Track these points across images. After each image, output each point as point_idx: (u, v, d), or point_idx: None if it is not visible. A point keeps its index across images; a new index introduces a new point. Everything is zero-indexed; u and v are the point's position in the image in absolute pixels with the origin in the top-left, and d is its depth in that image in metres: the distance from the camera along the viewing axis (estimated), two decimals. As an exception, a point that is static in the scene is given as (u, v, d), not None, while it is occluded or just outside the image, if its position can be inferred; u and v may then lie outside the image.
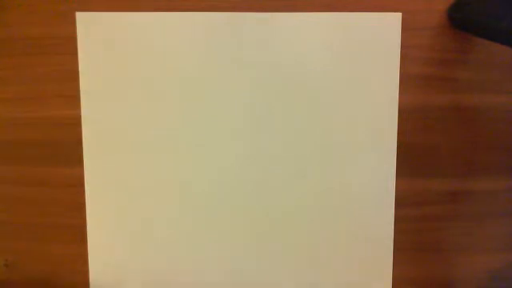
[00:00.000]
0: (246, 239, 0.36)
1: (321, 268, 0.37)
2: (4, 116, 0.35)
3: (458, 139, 0.36)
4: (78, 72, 0.35)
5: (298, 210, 0.36)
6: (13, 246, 0.37)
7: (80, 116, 0.35)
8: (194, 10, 0.34)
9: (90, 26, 0.34)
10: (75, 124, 0.35)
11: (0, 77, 0.35)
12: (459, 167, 0.36)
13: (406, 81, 0.35)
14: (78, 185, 0.36)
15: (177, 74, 0.35)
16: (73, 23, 0.34)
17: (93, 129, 0.35)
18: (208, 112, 0.35)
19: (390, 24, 0.34)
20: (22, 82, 0.35)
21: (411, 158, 0.36)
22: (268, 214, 0.36)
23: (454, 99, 0.35)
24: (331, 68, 0.35)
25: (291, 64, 0.34)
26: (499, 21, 0.29)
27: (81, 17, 0.34)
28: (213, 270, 0.37)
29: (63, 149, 0.35)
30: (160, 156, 0.35)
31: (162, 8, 0.34)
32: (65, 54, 0.34)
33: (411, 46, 0.35)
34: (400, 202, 0.36)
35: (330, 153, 0.35)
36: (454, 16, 0.34)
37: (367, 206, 0.36)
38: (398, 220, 0.36)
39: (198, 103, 0.35)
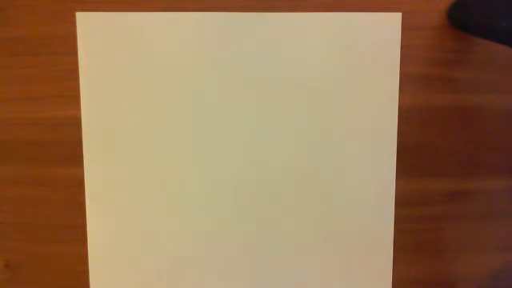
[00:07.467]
0: (246, 239, 0.36)
1: (321, 268, 0.37)
2: (4, 116, 0.35)
3: (458, 139, 0.36)
4: (78, 72, 0.35)
5: (298, 210, 0.36)
6: (13, 246, 0.37)
7: (80, 116, 0.35)
8: (195, 10, 0.34)
9: (90, 26, 0.34)
10: (75, 124, 0.35)
11: (0, 77, 0.35)
12: (459, 167, 0.36)
13: (406, 81, 0.35)
14: (78, 185, 0.36)
15: (176, 73, 0.35)
16: (73, 23, 0.34)
17: (93, 129, 0.35)
18: (207, 112, 0.35)
19: (390, 24, 0.34)
20: (22, 81, 0.35)
21: (411, 157, 0.36)
22: (267, 214, 0.36)
23: (454, 99, 0.35)
24: (331, 68, 0.35)
25: (291, 64, 0.34)
26: (499, 21, 0.29)
27: (81, 17, 0.34)
28: (213, 270, 0.37)
29: (63, 149, 0.35)
30: (160, 156, 0.35)
31: (162, 8, 0.34)
32: (65, 54, 0.34)
33: (411, 46, 0.35)
34: (400, 201, 0.36)
35: (330, 153, 0.35)
36: (454, 16, 0.34)
37: (367, 206, 0.36)
38: (398, 220, 0.36)
39: (198, 103, 0.35)
